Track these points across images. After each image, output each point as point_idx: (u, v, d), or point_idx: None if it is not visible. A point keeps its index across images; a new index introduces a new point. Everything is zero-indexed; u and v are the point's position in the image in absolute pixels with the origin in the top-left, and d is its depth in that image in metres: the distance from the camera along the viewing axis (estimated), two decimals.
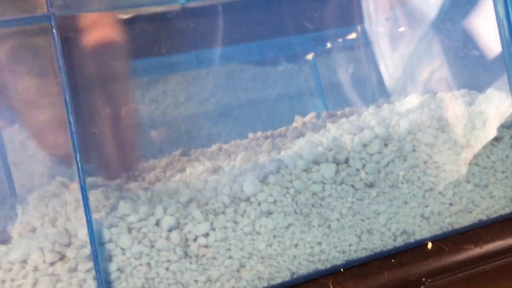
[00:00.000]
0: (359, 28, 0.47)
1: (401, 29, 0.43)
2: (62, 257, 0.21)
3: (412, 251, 0.23)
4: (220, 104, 0.45)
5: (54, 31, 0.19)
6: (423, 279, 0.22)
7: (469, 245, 0.23)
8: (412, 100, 0.30)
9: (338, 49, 0.49)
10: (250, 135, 0.40)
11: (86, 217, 0.20)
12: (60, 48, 0.19)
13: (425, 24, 0.36)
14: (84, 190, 0.20)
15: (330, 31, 0.47)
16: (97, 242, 0.21)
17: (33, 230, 0.23)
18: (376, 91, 0.45)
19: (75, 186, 0.23)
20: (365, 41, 0.47)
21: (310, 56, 0.49)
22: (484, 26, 0.32)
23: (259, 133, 0.41)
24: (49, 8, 0.19)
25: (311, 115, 0.43)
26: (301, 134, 0.36)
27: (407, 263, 0.23)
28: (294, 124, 0.42)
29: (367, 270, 0.23)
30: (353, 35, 0.48)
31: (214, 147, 0.38)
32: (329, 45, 0.49)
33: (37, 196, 0.25)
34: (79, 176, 0.20)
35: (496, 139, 0.27)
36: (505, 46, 0.30)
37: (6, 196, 0.27)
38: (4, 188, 0.27)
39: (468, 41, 0.34)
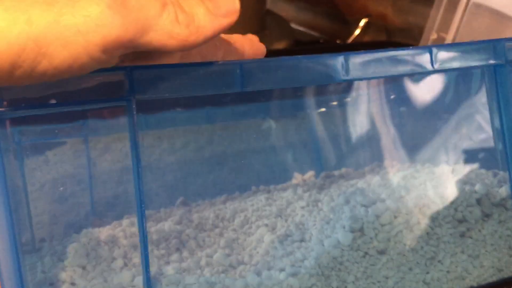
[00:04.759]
0: (354, 94, 0.52)
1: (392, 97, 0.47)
2: None
3: None
4: (216, 152, 0.47)
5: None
6: None
7: None
8: (414, 174, 0.34)
9: (334, 109, 0.53)
10: (253, 188, 0.43)
11: (144, 268, 0.23)
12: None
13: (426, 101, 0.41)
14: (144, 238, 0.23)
15: (330, 96, 0.51)
16: None
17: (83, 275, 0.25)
18: (371, 154, 0.49)
19: None
20: (360, 104, 0.51)
21: (307, 113, 0.53)
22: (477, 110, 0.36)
23: (261, 187, 0.43)
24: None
25: (310, 173, 0.46)
26: (302, 193, 0.39)
27: None
28: (294, 181, 0.45)
29: None
30: (349, 99, 0.53)
31: (220, 199, 0.40)
32: (324, 108, 0.53)
33: None
34: None
35: (487, 216, 0.31)
36: (494, 127, 0.34)
37: None
38: None
39: (461, 120, 0.39)
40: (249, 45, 0.27)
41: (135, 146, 0.23)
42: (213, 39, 0.24)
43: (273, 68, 0.25)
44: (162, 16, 0.19)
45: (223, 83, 0.24)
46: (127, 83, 0.22)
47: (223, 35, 0.26)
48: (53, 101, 0.21)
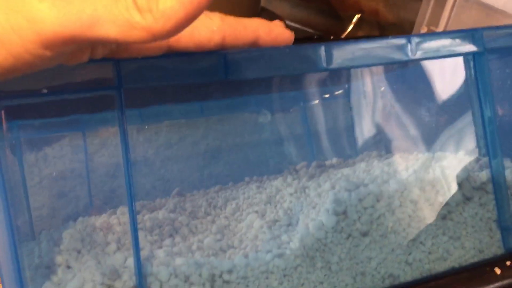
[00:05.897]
0: (346, 86, 0.53)
1: (382, 89, 0.49)
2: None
3: None
4: (211, 145, 0.48)
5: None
6: None
7: None
8: (398, 160, 0.35)
9: (325, 101, 0.54)
10: (246, 178, 0.44)
11: (135, 250, 0.24)
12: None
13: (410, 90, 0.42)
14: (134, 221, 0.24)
15: (320, 89, 0.52)
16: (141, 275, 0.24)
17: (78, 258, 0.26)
18: (361, 144, 0.50)
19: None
20: (351, 96, 0.52)
21: (299, 107, 0.54)
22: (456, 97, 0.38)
23: (254, 177, 0.44)
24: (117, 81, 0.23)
25: (303, 164, 0.47)
26: (292, 181, 0.40)
27: None
28: (286, 172, 0.46)
29: None
30: (340, 91, 0.54)
31: (214, 189, 0.41)
32: (316, 100, 0.54)
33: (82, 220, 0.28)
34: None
35: (468, 198, 0.32)
36: (475, 115, 0.36)
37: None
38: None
39: (444, 109, 0.40)
40: (266, 32, 0.25)
41: (123, 134, 0.24)
42: (204, 22, 0.22)
43: (256, 58, 0.26)
44: (116, 4, 0.17)
45: (208, 73, 0.25)
46: (115, 73, 0.23)
47: (230, 18, 0.24)
48: (45, 91, 0.22)
